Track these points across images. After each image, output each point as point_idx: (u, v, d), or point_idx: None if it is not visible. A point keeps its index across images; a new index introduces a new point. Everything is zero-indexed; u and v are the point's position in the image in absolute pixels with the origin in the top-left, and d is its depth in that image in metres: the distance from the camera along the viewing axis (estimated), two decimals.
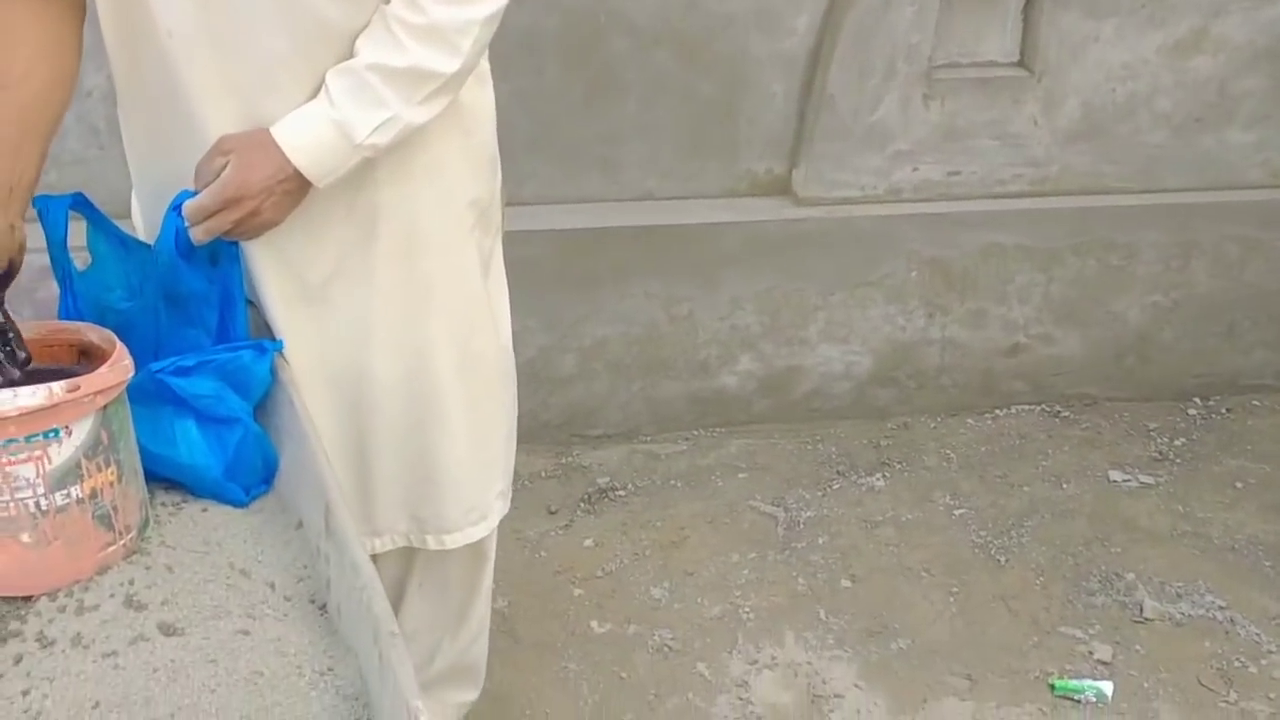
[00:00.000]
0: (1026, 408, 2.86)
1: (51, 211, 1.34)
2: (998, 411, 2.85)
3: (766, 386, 2.78)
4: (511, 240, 2.43)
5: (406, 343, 1.48)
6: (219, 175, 1.29)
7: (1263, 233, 2.76)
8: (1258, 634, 2.21)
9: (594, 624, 2.22)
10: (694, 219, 2.61)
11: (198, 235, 1.32)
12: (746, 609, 2.26)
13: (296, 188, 1.31)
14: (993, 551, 2.42)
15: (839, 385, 2.81)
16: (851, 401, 2.83)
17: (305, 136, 1.29)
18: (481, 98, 1.45)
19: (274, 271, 1.42)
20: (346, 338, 1.47)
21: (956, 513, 2.54)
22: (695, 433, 2.78)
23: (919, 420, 2.83)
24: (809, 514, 2.53)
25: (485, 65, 1.47)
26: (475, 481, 1.58)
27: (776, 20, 2.49)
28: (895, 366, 2.80)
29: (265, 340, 1.42)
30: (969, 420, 2.83)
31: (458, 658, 1.79)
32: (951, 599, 2.30)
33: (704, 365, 2.73)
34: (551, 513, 2.51)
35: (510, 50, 2.42)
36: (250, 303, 1.46)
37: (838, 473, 2.66)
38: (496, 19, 1.30)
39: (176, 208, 1.33)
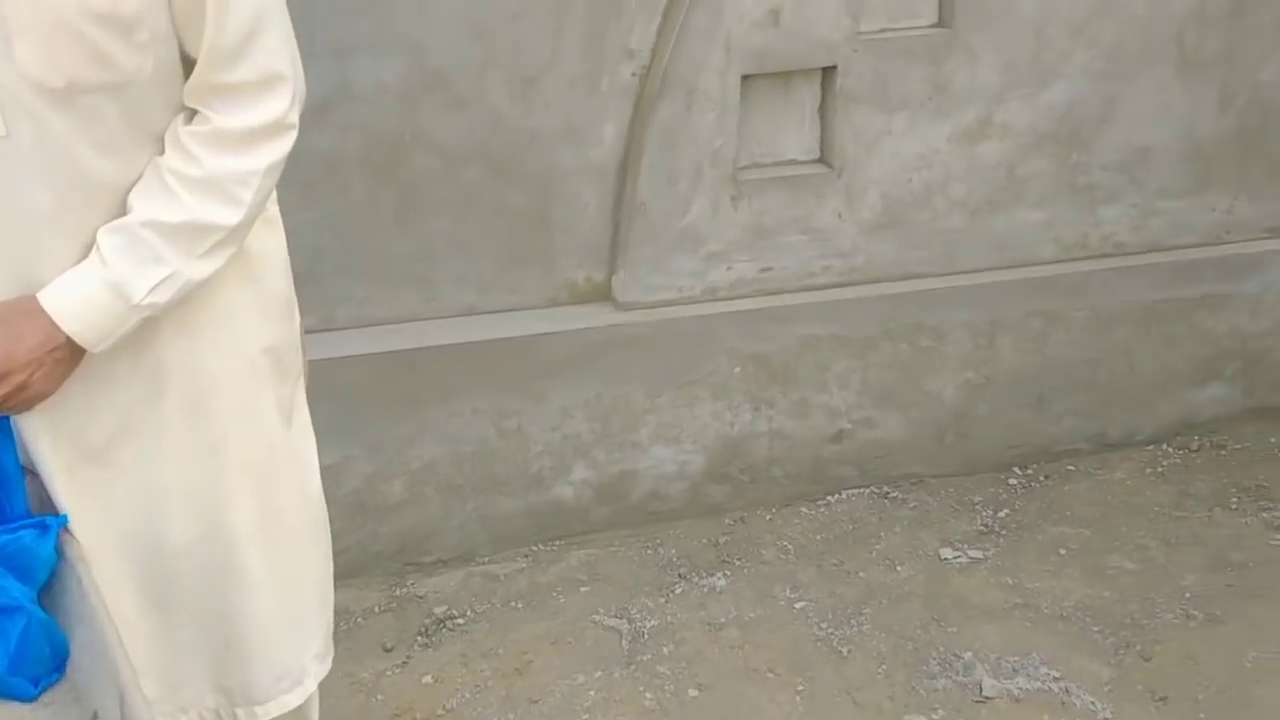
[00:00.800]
0: (856, 491, 2.91)
1: None
2: (829, 498, 2.89)
3: (602, 494, 2.76)
4: (329, 367, 2.39)
5: (201, 504, 1.40)
6: None
7: (1060, 305, 2.90)
8: (1092, 702, 2.27)
9: None
10: (516, 331, 2.59)
11: None
12: None
13: (68, 355, 1.23)
14: (835, 643, 2.43)
15: (674, 486, 2.80)
16: (688, 501, 2.82)
17: (76, 301, 1.21)
18: (270, 242, 1.40)
19: (52, 437, 1.33)
20: (137, 502, 1.38)
21: (797, 605, 2.54)
22: (534, 548, 2.73)
23: (755, 514, 2.84)
24: (653, 623, 2.49)
25: (273, 209, 1.42)
26: (286, 644, 1.49)
27: (583, 132, 2.51)
28: (727, 462, 2.82)
29: (48, 516, 1.32)
30: (803, 509, 2.86)
31: None
32: (798, 697, 2.29)
33: (538, 478, 2.69)
34: (387, 650, 2.41)
35: (314, 174, 2.37)
36: (30, 472, 1.36)
37: (679, 576, 2.64)
38: (279, 167, 1.26)
39: None
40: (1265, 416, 3.14)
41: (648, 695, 2.29)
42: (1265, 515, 2.82)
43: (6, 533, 1.28)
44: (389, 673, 2.34)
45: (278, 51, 1.23)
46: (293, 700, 1.52)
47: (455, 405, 2.57)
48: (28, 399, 1.24)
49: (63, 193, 1.21)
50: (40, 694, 1.27)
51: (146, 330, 1.30)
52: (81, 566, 1.30)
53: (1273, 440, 3.09)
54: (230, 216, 1.23)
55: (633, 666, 2.36)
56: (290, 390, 1.47)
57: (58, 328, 1.21)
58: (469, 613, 2.51)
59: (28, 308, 1.21)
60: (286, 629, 1.49)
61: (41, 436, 1.33)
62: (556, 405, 2.65)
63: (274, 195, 1.41)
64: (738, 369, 2.74)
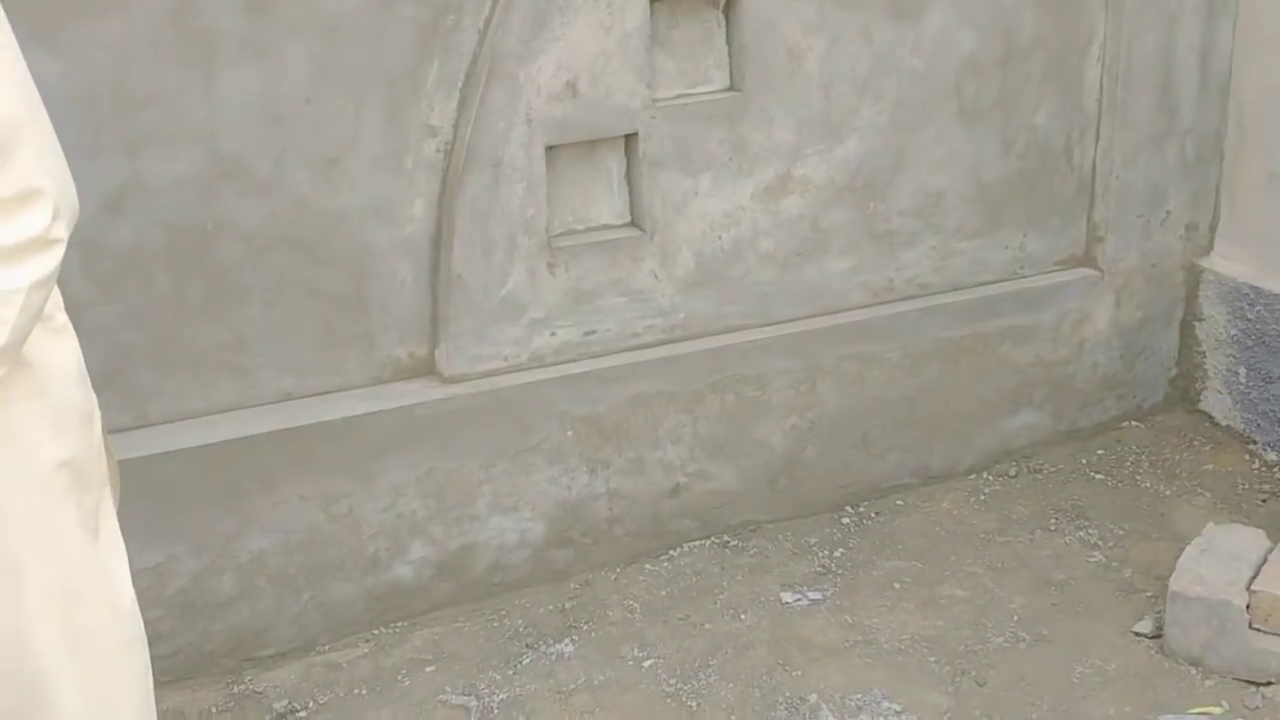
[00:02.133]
0: (697, 543, 2.94)
1: None
2: (672, 552, 2.92)
3: (443, 570, 2.72)
4: (145, 464, 2.31)
5: (3, 625, 1.33)
6: None
7: (873, 347, 3.01)
8: None
9: None
10: (339, 413, 2.55)
11: None
12: None
13: None
14: (684, 698, 2.44)
15: (516, 555, 2.79)
16: (531, 569, 2.81)
17: None
18: (57, 353, 1.36)
19: None
20: None
21: (646, 664, 2.55)
22: (376, 632, 2.67)
23: (599, 574, 2.85)
24: (502, 696, 2.47)
25: (61, 317, 1.37)
26: None
27: (392, 210, 2.51)
28: (568, 526, 2.82)
29: None
30: (646, 566, 2.88)
31: None
32: None
33: (374, 560, 2.64)
34: None
35: (115, 269, 2.32)
36: None
37: (526, 646, 2.62)
38: (47, 284, 1.22)
39: None
40: (1075, 438, 3.32)
41: None
42: (1081, 534, 2.96)
43: None
44: None
45: (34, 166, 1.19)
46: None
47: (281, 493, 2.51)
48: None
49: None
50: None
51: None
52: None
53: (1083, 461, 3.26)
54: None
55: None
56: (94, 501, 1.42)
57: None
58: (311, 704, 2.44)
59: None
60: None
61: None
62: (387, 484, 2.61)
63: (59, 303, 1.37)
64: (570, 432, 2.75)
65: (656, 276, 2.76)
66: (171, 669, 2.46)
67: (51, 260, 1.20)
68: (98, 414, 1.44)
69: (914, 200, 2.99)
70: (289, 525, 2.53)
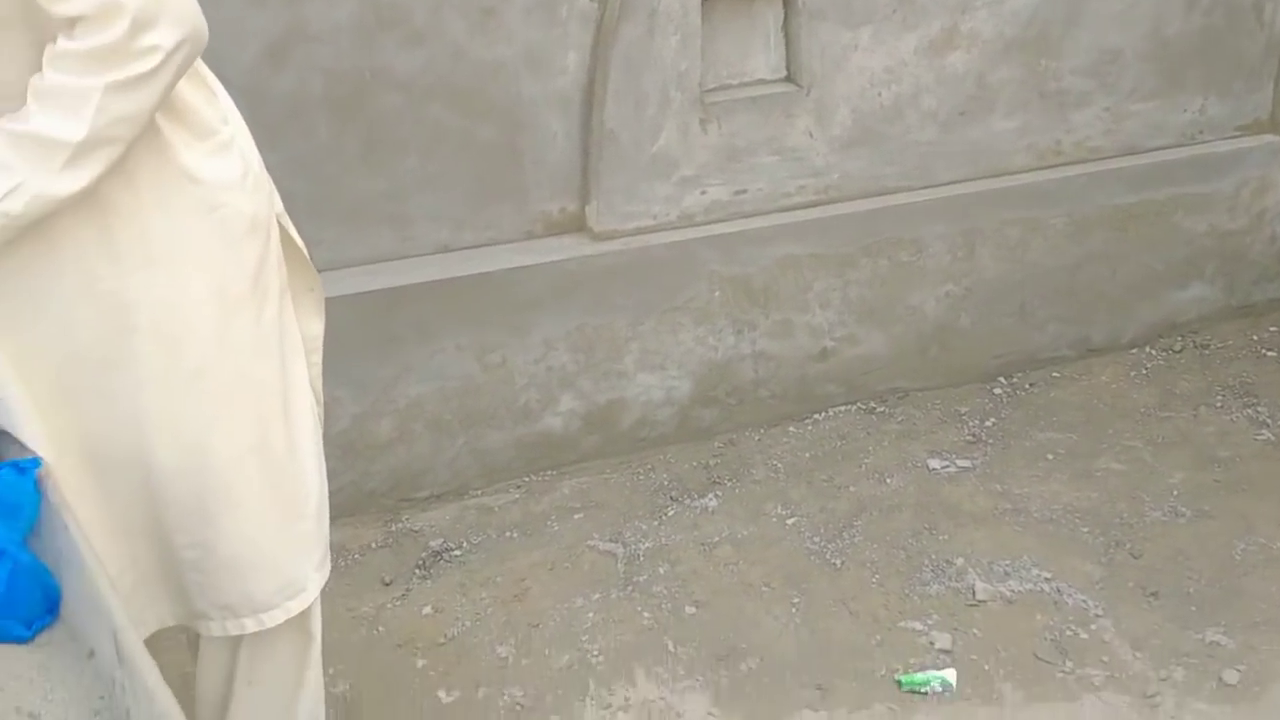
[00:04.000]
0: (843, 408, 2.92)
1: None
2: (816, 416, 2.91)
3: (591, 423, 2.77)
4: None
5: (185, 430, 1.42)
6: None
7: (1038, 213, 2.90)
8: (1084, 600, 2.30)
9: (441, 694, 2.15)
10: (493, 266, 2.58)
11: None
12: (595, 653, 2.23)
13: None
14: (828, 556, 2.46)
15: (662, 412, 2.82)
16: (676, 426, 2.84)
17: None
18: (222, 168, 1.40)
19: (34, 372, 1.34)
20: (118, 433, 1.40)
21: (789, 522, 2.57)
22: (526, 479, 2.74)
23: (743, 435, 2.86)
24: (647, 545, 2.52)
25: (225, 132, 1.41)
26: (284, 557, 1.54)
27: (545, 61, 2.49)
28: (713, 386, 2.83)
29: (20, 459, 1.33)
30: (790, 428, 2.88)
31: None
32: (794, 609, 2.32)
33: (526, 410, 2.70)
34: (386, 584, 2.44)
35: (277, 117, 2.36)
36: None
37: (671, 499, 2.66)
38: (126, 89, 1.24)
39: None
40: (1246, 314, 3.16)
41: (645, 614, 2.32)
42: (1250, 412, 2.84)
43: None
44: (389, 605, 2.37)
45: None
46: (296, 606, 1.55)
47: (438, 343, 2.57)
48: None
49: None
50: (35, 635, 1.28)
51: (104, 264, 1.32)
52: (66, 512, 1.30)
53: (1255, 338, 3.11)
54: (72, 132, 1.23)
55: (630, 587, 2.39)
56: (274, 309, 1.48)
57: None
58: (465, 544, 2.54)
59: None
60: (285, 543, 1.53)
61: (9, 384, 1.34)
62: (539, 337, 2.65)
63: (227, 116, 1.42)
64: (718, 293, 2.74)
65: (811, 135, 2.69)
66: (334, 506, 2.53)
67: (132, 68, 1.23)
68: (275, 225, 1.49)
69: (1088, 57, 2.83)
70: (445, 373, 2.60)
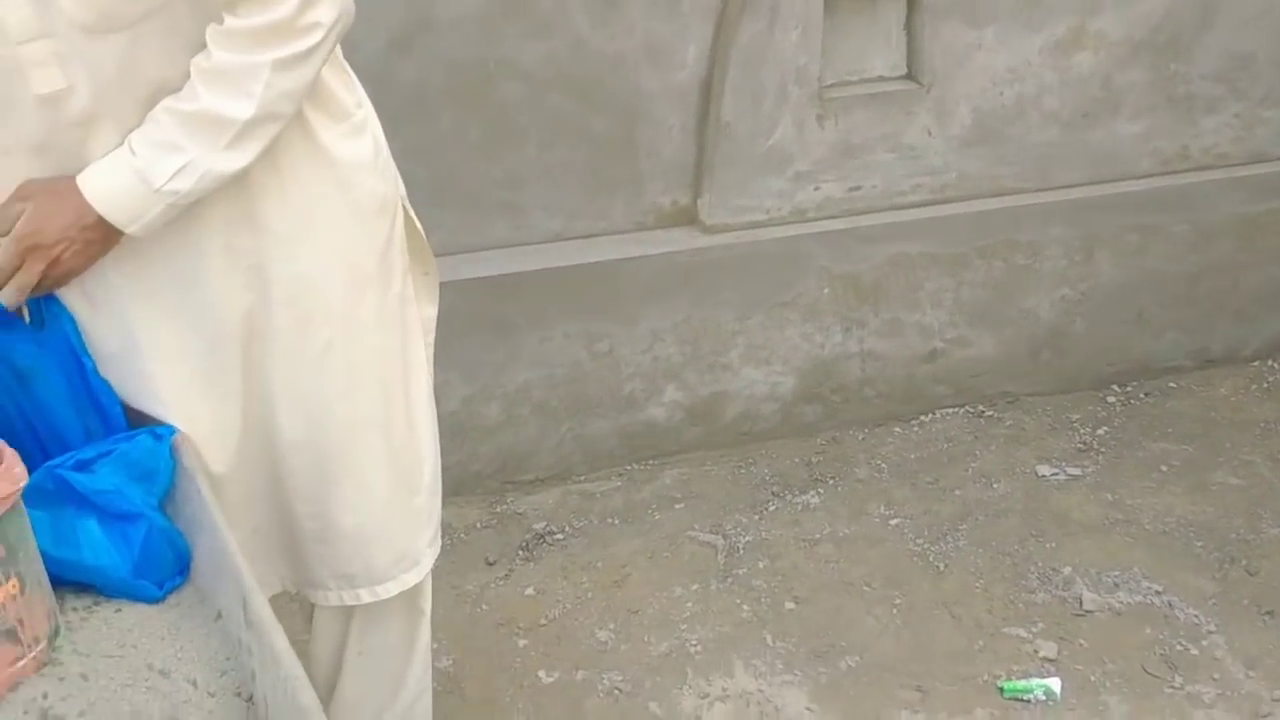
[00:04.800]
0: (950, 411, 2.89)
1: None
2: (923, 417, 2.88)
3: (694, 415, 2.78)
4: None
5: (310, 403, 1.46)
6: (14, 223, 1.27)
7: (1159, 219, 2.83)
8: (1196, 615, 2.25)
9: (541, 674, 2.19)
10: (604, 256, 2.61)
11: (9, 298, 1.29)
12: (694, 642, 2.25)
13: (101, 235, 1.29)
14: (931, 558, 2.43)
15: (765, 407, 2.82)
16: (779, 421, 2.83)
17: (106, 182, 1.27)
18: (358, 149, 1.43)
19: (175, 343, 1.39)
20: (248, 403, 1.45)
21: (892, 522, 2.55)
22: (629, 467, 2.77)
23: (847, 433, 2.84)
24: (748, 538, 2.52)
25: (359, 114, 1.45)
26: (402, 530, 1.57)
27: (666, 55, 2.50)
28: (818, 383, 2.82)
29: (156, 427, 1.39)
30: (896, 429, 2.85)
31: None
32: (895, 610, 2.31)
33: (630, 400, 2.73)
34: (490, 564, 2.48)
35: (400, 106, 2.41)
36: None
37: (773, 494, 2.66)
38: (295, 65, 1.27)
39: None
40: None
41: (744, 607, 2.33)
42: None
43: (125, 440, 1.35)
44: (492, 585, 2.41)
45: None
46: (411, 579, 1.59)
47: (547, 330, 2.61)
48: (60, 275, 1.29)
49: (127, 121, 1.27)
50: (166, 596, 1.34)
51: (247, 239, 1.36)
52: (199, 477, 1.36)
53: None
54: (241, 110, 1.26)
55: (729, 580, 2.40)
56: (399, 287, 1.51)
57: (89, 206, 1.27)
58: (567, 528, 2.57)
59: (63, 187, 1.27)
60: (402, 516, 1.56)
61: (151, 361, 1.39)
62: (647, 328, 2.67)
63: (357, 102, 1.45)
64: (827, 290, 2.73)
65: (930, 133, 2.66)
66: (443, 485, 2.63)
67: (300, 43, 1.26)
68: (400, 209, 1.53)
69: (1219, 62, 2.75)
70: (554, 360, 2.63)
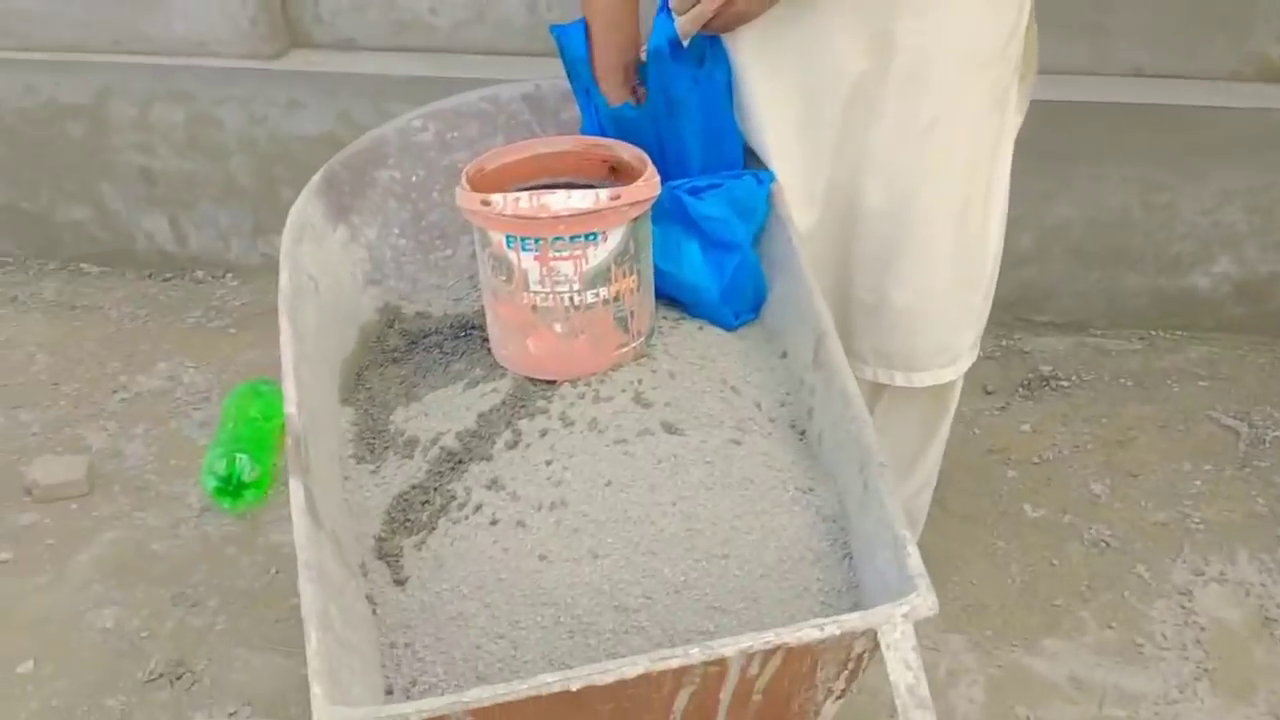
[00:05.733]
0: None
1: (569, 35, 1.45)
2: None
3: (1243, 292, 2.55)
4: None
5: (900, 178, 1.47)
6: None
7: None
8: None
9: (1027, 507, 2.17)
10: (1188, 100, 2.40)
11: (683, 27, 1.38)
12: (1196, 520, 2.12)
13: None
14: None
15: None
16: None
17: None
18: None
19: (785, 95, 1.45)
20: (845, 166, 1.48)
21: None
22: (1153, 333, 2.61)
23: None
24: (1276, 433, 2.32)
25: None
26: (951, 324, 1.58)
27: None
28: None
29: (760, 171, 1.46)
30: None
31: (904, 504, 1.82)
32: None
33: (1175, 261, 2.54)
34: (988, 393, 2.46)
35: None
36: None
37: None
38: None
39: (665, 7, 1.39)
40: None
41: (1260, 500, 2.16)
42: None
43: (734, 178, 1.45)
44: (988, 413, 2.40)
45: None
46: (946, 375, 1.61)
47: (1104, 168, 2.46)
48: (734, 15, 1.35)
49: None
50: (738, 327, 1.45)
51: (883, 4, 1.37)
52: (790, 225, 1.43)
53: None
54: None
55: (1247, 469, 2.23)
56: (1008, 78, 1.48)
57: None
58: (1074, 378, 2.48)
59: None
60: (956, 310, 1.57)
61: (777, 93, 1.44)
62: (1215, 188, 2.45)
63: None
64: None
65: None
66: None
67: None
68: (1029, 2, 1.48)
69: None
70: (1102, 202, 2.49)
